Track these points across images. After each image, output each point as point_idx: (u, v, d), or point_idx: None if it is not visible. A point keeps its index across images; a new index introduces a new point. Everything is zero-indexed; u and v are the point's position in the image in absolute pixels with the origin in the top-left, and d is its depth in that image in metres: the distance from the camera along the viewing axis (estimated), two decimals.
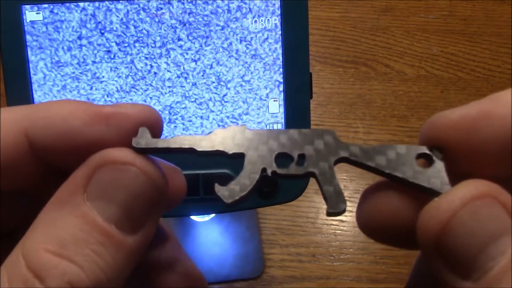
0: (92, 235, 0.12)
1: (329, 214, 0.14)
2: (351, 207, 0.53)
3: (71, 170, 0.14)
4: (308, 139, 0.14)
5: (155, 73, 0.30)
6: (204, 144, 0.14)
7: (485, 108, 0.12)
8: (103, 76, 0.30)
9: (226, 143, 0.14)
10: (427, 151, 0.14)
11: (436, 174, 0.13)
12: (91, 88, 0.30)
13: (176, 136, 0.14)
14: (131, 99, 0.30)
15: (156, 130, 0.14)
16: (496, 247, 0.11)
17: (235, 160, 0.14)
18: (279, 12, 0.29)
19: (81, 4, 0.29)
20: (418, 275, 0.16)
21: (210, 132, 0.14)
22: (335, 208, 0.14)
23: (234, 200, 0.14)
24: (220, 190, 0.14)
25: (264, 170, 0.14)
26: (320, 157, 0.14)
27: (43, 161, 0.14)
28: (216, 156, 0.14)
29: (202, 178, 0.30)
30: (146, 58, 0.30)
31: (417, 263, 0.16)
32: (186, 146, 0.14)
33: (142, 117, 0.14)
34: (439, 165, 0.13)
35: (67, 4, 0.29)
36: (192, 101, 0.30)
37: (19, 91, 0.30)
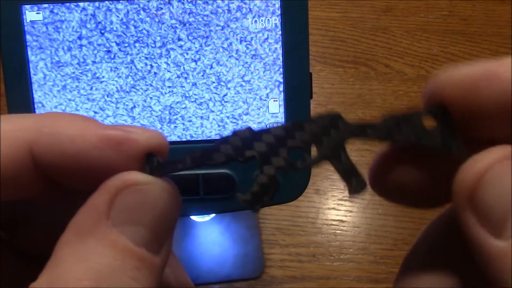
0: (127, 261, 0.12)
1: (351, 193, 0.14)
2: (351, 207, 0.53)
3: (77, 188, 0.14)
4: (315, 126, 0.14)
5: (155, 73, 0.30)
6: (216, 155, 0.14)
7: (491, 68, 0.12)
8: (103, 76, 0.30)
9: (238, 148, 0.14)
10: (431, 111, 0.14)
11: (442, 132, 0.13)
12: (91, 88, 0.30)
13: (187, 154, 0.14)
14: (131, 99, 0.30)
15: (163, 156, 0.14)
16: None
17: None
18: (279, 12, 0.29)
19: (81, 4, 0.29)
20: (428, 237, 0.16)
21: (219, 141, 0.14)
22: (356, 188, 0.14)
23: (260, 203, 0.14)
24: (243, 197, 0.14)
25: (280, 167, 0.14)
26: (331, 141, 0.14)
27: (47, 177, 0.14)
28: (230, 163, 0.14)
29: (202, 178, 0.30)
30: (146, 58, 0.30)
31: (429, 225, 0.16)
32: (199, 163, 0.14)
33: (151, 144, 0.14)
34: (444, 124, 0.13)
35: (67, 4, 0.29)
36: (192, 101, 0.30)
37: (19, 91, 0.30)
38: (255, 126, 0.30)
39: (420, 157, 0.14)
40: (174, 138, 0.30)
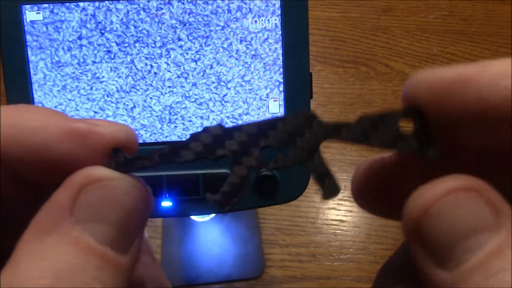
0: (89, 261, 0.12)
1: (324, 198, 0.14)
2: (351, 206, 0.53)
3: (44, 184, 0.13)
4: (289, 125, 0.14)
5: (155, 73, 0.30)
6: (185, 152, 0.14)
7: (467, 73, 0.12)
8: (103, 76, 0.30)
9: (208, 146, 0.14)
10: (406, 113, 0.13)
11: (418, 135, 0.13)
12: (91, 88, 0.30)
13: (155, 150, 0.14)
14: (131, 99, 0.30)
15: (132, 151, 0.14)
16: (475, 241, 0.11)
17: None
18: (279, 12, 0.29)
19: (81, 4, 0.29)
20: (400, 254, 0.16)
21: (189, 138, 0.14)
22: (329, 193, 0.13)
23: (230, 203, 0.14)
24: (212, 197, 0.14)
25: (251, 167, 0.13)
26: (305, 142, 0.14)
27: (13, 173, 0.13)
28: (200, 160, 0.14)
29: (202, 178, 0.30)
30: (146, 58, 0.30)
31: (401, 246, 0.16)
32: (166, 161, 0.14)
33: (119, 138, 0.13)
34: (420, 127, 0.13)
35: (67, 4, 0.29)
36: (192, 101, 0.30)
37: (19, 91, 0.30)
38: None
39: (404, 173, 0.14)
40: (174, 138, 0.30)
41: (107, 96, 0.30)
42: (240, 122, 0.30)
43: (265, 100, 0.30)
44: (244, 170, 0.14)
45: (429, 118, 0.13)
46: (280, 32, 0.30)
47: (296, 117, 0.14)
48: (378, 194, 0.15)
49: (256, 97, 0.30)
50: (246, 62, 0.30)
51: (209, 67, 0.30)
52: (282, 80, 0.30)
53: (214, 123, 0.30)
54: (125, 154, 0.13)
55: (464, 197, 0.12)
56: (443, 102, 0.12)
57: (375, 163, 0.15)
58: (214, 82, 0.30)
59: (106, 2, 0.29)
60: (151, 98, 0.30)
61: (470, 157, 0.13)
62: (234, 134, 0.14)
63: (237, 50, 0.30)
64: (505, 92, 0.11)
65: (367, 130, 0.13)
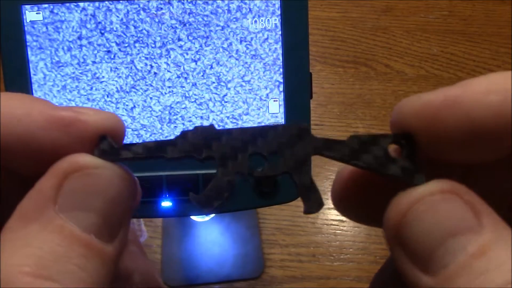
0: (73, 248, 0.11)
1: (306, 213, 0.14)
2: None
3: (29, 175, 0.13)
4: (280, 135, 0.14)
5: (155, 73, 0.30)
6: (171, 149, 0.13)
7: (451, 95, 0.12)
8: (103, 76, 0.30)
9: (196, 146, 0.14)
10: (395, 139, 0.13)
11: (405, 162, 0.13)
12: (91, 88, 0.30)
13: (141, 142, 0.14)
14: (131, 99, 0.30)
15: (119, 139, 0.14)
16: (456, 243, 0.11)
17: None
18: (279, 12, 0.29)
19: (81, 4, 0.29)
20: (385, 271, 0.16)
21: (178, 135, 0.14)
22: (312, 208, 0.13)
23: (212, 206, 0.14)
24: (195, 198, 0.14)
25: (237, 172, 0.13)
26: (294, 153, 0.14)
27: None
28: (186, 159, 0.14)
29: (202, 178, 0.30)
30: (146, 58, 0.30)
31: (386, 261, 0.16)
32: (151, 155, 0.14)
33: (104, 126, 0.13)
34: (408, 153, 0.13)
35: (67, 4, 0.29)
36: (192, 101, 0.30)
37: (19, 91, 0.30)
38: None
39: (384, 182, 0.14)
40: None
41: (107, 96, 0.30)
42: (235, 125, 0.30)
43: (265, 100, 0.30)
44: (231, 174, 0.13)
45: (418, 144, 0.13)
46: (280, 32, 0.30)
47: (287, 128, 0.14)
48: (359, 201, 0.15)
49: (256, 97, 0.30)
50: (246, 62, 0.30)
51: (209, 67, 0.30)
52: (282, 80, 0.30)
53: (214, 123, 0.30)
54: (112, 142, 0.13)
55: (442, 199, 0.12)
56: (433, 126, 0.12)
57: (356, 170, 0.15)
58: (214, 82, 0.30)
59: (106, 2, 0.29)
60: (151, 98, 0.30)
61: (453, 168, 0.13)
62: (223, 137, 0.13)
63: (237, 50, 0.30)
64: (493, 107, 0.11)
65: (357, 151, 0.13)
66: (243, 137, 0.14)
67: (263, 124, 0.30)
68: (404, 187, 0.12)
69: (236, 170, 0.13)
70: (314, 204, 0.13)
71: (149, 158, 0.14)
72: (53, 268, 0.11)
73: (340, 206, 0.15)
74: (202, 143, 0.14)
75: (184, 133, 0.14)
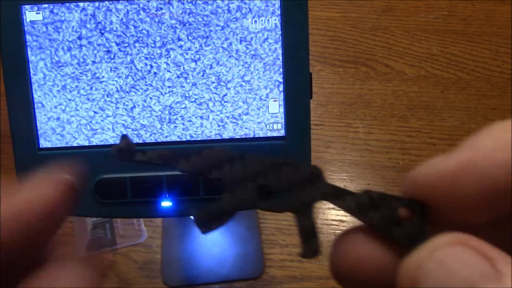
0: None
1: (301, 256, 0.14)
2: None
3: None
4: (291, 172, 0.14)
5: (155, 73, 0.30)
6: (184, 162, 0.14)
7: (464, 160, 0.12)
8: (103, 76, 0.30)
9: (208, 164, 0.14)
10: (408, 205, 0.13)
11: (414, 226, 0.13)
12: (91, 88, 0.30)
13: (157, 149, 0.14)
14: (131, 99, 0.30)
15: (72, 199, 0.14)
16: None
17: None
18: (279, 12, 0.29)
19: (81, 4, 0.29)
20: None
21: (193, 150, 0.14)
22: (308, 253, 0.14)
23: (210, 228, 0.14)
24: (198, 216, 0.14)
25: (243, 200, 0.14)
26: (302, 195, 0.14)
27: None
28: (196, 175, 0.14)
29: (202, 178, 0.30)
30: (146, 58, 0.30)
31: None
32: (167, 163, 0.14)
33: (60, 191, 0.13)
34: (419, 219, 0.13)
35: (67, 4, 0.29)
36: (192, 101, 0.30)
37: (19, 91, 0.30)
38: (254, 127, 0.30)
39: (386, 243, 0.14)
40: (174, 138, 0.30)
41: (107, 96, 0.30)
42: (234, 125, 0.30)
43: (265, 100, 0.30)
44: (236, 202, 0.14)
45: (431, 210, 0.13)
46: (280, 32, 0.30)
47: (302, 168, 0.14)
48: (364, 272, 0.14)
49: (256, 97, 0.30)
50: (246, 62, 0.30)
51: (209, 67, 0.30)
52: (282, 80, 0.30)
53: (214, 123, 0.30)
54: (130, 144, 0.14)
55: (448, 253, 0.11)
56: (451, 193, 0.12)
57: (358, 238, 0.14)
58: (214, 82, 0.30)
59: (106, 2, 0.29)
60: (151, 98, 0.30)
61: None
62: (236, 163, 0.14)
63: (237, 50, 0.30)
64: (506, 164, 0.11)
65: (366, 206, 0.13)
66: (256, 167, 0.14)
67: (263, 123, 0.30)
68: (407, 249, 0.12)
69: (242, 198, 0.14)
70: (310, 250, 0.14)
71: (161, 166, 0.14)
72: None
73: (341, 278, 0.15)
74: (214, 163, 0.14)
75: (200, 150, 0.14)
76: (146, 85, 0.30)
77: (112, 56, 0.30)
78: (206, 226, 0.14)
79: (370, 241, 0.14)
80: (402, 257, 0.12)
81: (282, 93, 0.30)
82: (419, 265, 0.11)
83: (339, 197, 0.14)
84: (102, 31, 0.30)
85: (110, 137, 0.30)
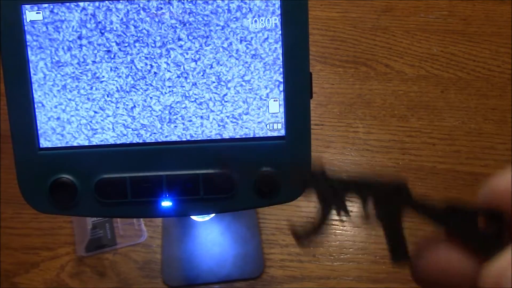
0: None
1: (393, 262, 0.15)
2: (350, 206, 0.53)
3: None
4: (379, 185, 0.15)
5: (155, 73, 0.30)
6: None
7: None
8: (103, 76, 0.30)
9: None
10: (488, 215, 0.14)
11: (493, 236, 0.14)
12: (91, 88, 0.30)
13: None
14: (131, 99, 0.30)
15: None
16: None
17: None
18: (279, 12, 0.29)
19: (81, 4, 0.29)
20: None
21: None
22: (399, 257, 0.15)
23: (308, 241, 0.15)
24: (296, 231, 0.15)
25: (337, 212, 0.15)
26: (389, 205, 0.15)
27: None
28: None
29: (202, 178, 0.30)
30: (146, 58, 0.30)
31: None
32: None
33: None
34: (498, 228, 0.14)
35: (67, 4, 0.29)
36: (192, 101, 0.30)
37: (19, 91, 0.30)
38: (254, 126, 0.30)
39: (466, 250, 0.14)
40: (174, 138, 0.30)
41: (107, 96, 0.30)
42: (234, 125, 0.30)
43: (265, 100, 0.30)
44: (326, 211, 0.15)
45: (506, 219, 0.14)
46: (280, 32, 0.30)
47: (389, 184, 0.15)
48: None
49: (256, 97, 0.30)
50: (246, 62, 0.30)
51: (209, 67, 0.30)
52: (282, 80, 0.30)
53: (214, 123, 0.30)
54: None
55: None
56: None
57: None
58: (214, 82, 0.30)
59: (106, 2, 0.29)
60: (151, 98, 0.30)
61: None
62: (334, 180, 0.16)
63: (237, 50, 0.30)
64: None
65: (448, 216, 0.14)
66: (344, 182, 0.15)
67: (263, 123, 0.30)
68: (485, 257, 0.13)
69: (333, 209, 0.15)
70: (401, 255, 0.15)
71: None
72: None
73: (424, 284, 0.16)
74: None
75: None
76: (146, 85, 0.30)
77: (112, 56, 0.30)
78: (305, 239, 0.15)
79: (450, 248, 0.15)
80: (480, 263, 0.13)
81: (282, 93, 0.30)
82: (501, 274, 0.12)
83: (424, 208, 0.15)
84: (102, 31, 0.30)
85: (110, 137, 0.30)
